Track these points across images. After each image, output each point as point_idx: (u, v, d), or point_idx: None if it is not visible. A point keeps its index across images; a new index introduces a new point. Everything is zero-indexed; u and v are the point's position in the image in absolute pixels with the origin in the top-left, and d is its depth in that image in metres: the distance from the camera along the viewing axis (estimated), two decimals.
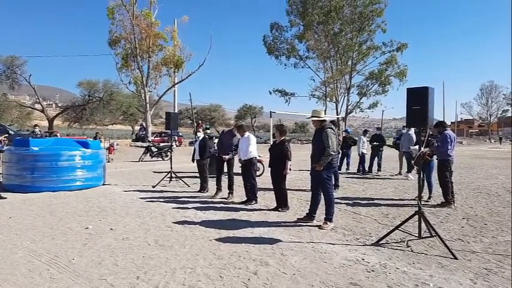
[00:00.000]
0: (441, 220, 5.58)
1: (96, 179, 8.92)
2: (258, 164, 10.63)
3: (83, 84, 36.53)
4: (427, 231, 4.42)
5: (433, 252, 4.03)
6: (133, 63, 26.62)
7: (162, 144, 19.44)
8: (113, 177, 10.53)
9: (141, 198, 7.45)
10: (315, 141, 5.27)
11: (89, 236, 4.70)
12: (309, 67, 37.69)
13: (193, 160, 8.58)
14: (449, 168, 6.74)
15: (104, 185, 9.17)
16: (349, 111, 36.65)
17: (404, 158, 11.46)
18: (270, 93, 37.85)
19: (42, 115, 33.64)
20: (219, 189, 7.70)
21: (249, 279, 3.32)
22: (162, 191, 8.30)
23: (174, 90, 28.75)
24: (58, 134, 22.03)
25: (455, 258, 3.81)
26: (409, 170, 10.66)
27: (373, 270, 3.53)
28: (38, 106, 37.32)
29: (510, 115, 68.67)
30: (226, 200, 7.17)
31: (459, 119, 66.10)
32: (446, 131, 6.86)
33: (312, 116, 5.36)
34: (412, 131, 10.34)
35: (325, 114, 5.68)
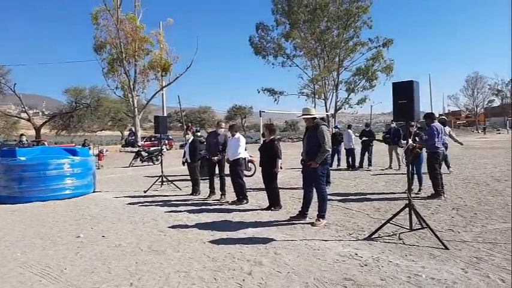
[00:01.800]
0: (432, 212, 5.65)
1: (86, 186, 8.82)
2: (250, 164, 10.67)
3: (69, 91, 36.14)
4: (418, 223, 4.46)
5: (424, 244, 4.08)
6: (120, 68, 26.44)
7: (152, 149, 19.30)
8: (103, 184, 10.42)
9: (132, 203, 7.39)
10: (307, 138, 5.28)
11: (81, 245, 4.64)
12: (297, 65, 37.90)
13: (183, 163, 8.55)
14: (438, 161, 6.83)
15: (94, 192, 9.07)
16: (338, 107, 36.92)
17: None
18: (259, 92, 37.95)
19: (29, 124, 33.16)
20: (212, 192, 7.67)
21: (243, 280, 3.32)
22: (153, 196, 8.24)
23: (162, 94, 28.64)
24: (45, 143, 21.73)
25: (446, 248, 3.87)
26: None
27: (366, 265, 3.56)
28: (24, 115, 36.78)
29: (497, 105, 69.86)
30: (218, 202, 7.15)
31: (446, 111, 66.96)
32: (433, 124, 6.95)
33: (303, 114, 5.38)
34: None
35: (315, 110, 5.72)
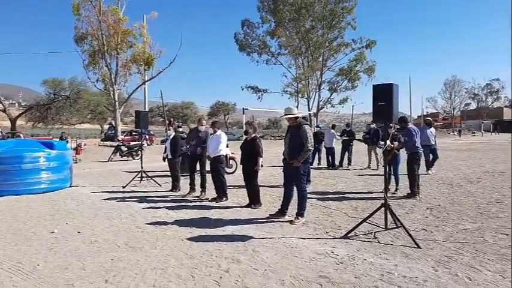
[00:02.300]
0: (406, 211, 5.80)
1: (63, 180, 8.63)
2: (231, 161, 10.67)
3: (47, 83, 35.15)
4: (393, 222, 4.58)
5: (398, 243, 4.19)
6: (101, 61, 25.90)
7: (132, 143, 19.02)
8: (80, 179, 10.22)
9: (110, 199, 7.28)
10: (290, 137, 5.30)
11: (55, 241, 4.55)
12: (281, 63, 38.05)
13: (164, 159, 8.47)
14: (418, 161, 7.00)
15: (70, 186, 8.89)
16: (320, 106, 37.29)
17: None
18: (242, 89, 37.95)
19: (4, 115, 32.11)
20: (192, 189, 7.64)
21: (220, 277, 3.33)
22: (132, 192, 8.14)
23: (144, 88, 28.24)
24: (21, 135, 21.11)
25: (419, 247, 3.98)
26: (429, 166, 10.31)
27: (341, 263, 3.63)
28: None
29: (472, 108, 72.03)
30: (198, 199, 7.13)
31: (425, 113, 68.55)
32: (409, 126, 7.13)
33: (286, 114, 5.41)
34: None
35: (297, 110, 5.76)
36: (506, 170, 10.68)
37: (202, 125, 7.57)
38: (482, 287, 3.00)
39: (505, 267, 3.40)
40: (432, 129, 10.45)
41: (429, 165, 10.20)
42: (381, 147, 8.09)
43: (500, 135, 52.56)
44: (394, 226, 4.57)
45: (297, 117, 5.39)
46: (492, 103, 72.86)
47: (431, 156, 10.19)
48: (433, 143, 10.23)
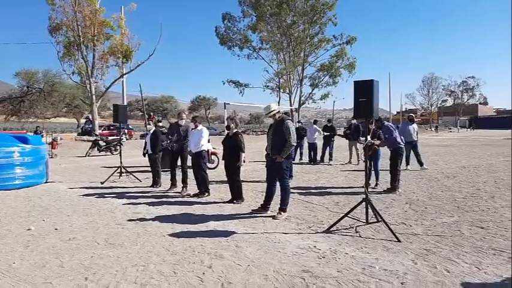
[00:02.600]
0: (386, 206, 5.91)
1: (38, 176, 8.36)
2: (213, 157, 10.61)
3: (20, 75, 33.95)
4: (373, 216, 4.66)
5: (379, 236, 4.26)
6: (77, 52, 25.11)
7: (110, 138, 18.61)
8: (57, 174, 9.94)
9: (88, 195, 7.10)
10: (273, 133, 5.30)
11: (32, 238, 4.40)
12: (262, 58, 37.95)
13: (144, 154, 8.33)
14: (401, 156, 7.15)
15: (46, 182, 8.63)
16: (302, 102, 37.48)
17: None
18: (224, 83, 37.70)
19: None
20: (173, 184, 7.55)
21: (203, 273, 3.31)
22: (111, 187, 7.97)
23: (123, 81, 27.61)
24: None
25: (399, 241, 4.07)
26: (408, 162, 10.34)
27: (324, 257, 3.67)
28: None
29: (449, 105, 74.11)
30: (180, 194, 7.05)
31: (404, 109, 70.11)
32: (385, 123, 7.29)
33: (267, 113, 5.41)
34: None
35: (278, 105, 5.76)
36: (481, 165, 11.05)
37: (183, 119, 7.47)
38: (460, 279, 3.09)
39: (480, 260, 3.51)
40: (415, 125, 10.43)
41: (408, 161, 10.17)
42: (361, 143, 8.20)
43: (475, 131, 54.35)
44: (375, 220, 4.65)
45: (278, 112, 5.39)
46: (467, 100, 75.21)
47: (411, 152, 10.20)
48: (415, 139, 10.21)
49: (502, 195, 6.54)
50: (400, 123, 15.93)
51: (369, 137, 6.65)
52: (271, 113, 5.34)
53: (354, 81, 4.77)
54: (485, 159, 13.06)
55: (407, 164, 10.17)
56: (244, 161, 6.28)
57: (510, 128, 35.14)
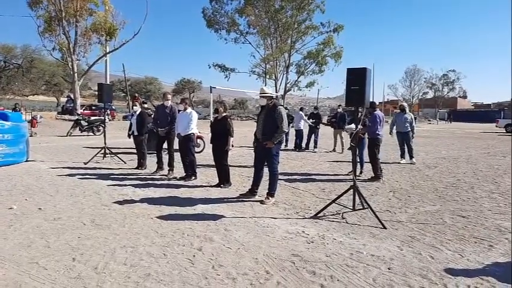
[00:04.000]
0: (371, 193, 6.02)
1: (18, 154, 8.13)
2: (199, 140, 10.51)
3: None
4: (359, 204, 4.74)
5: (365, 223, 4.35)
6: (59, 28, 24.18)
7: (93, 118, 18.19)
8: (37, 153, 9.69)
9: (72, 175, 6.96)
10: (264, 118, 5.26)
11: (14, 217, 4.30)
12: (250, 43, 37.49)
13: (129, 136, 8.18)
14: (378, 146, 7.29)
15: (27, 161, 8.40)
16: (287, 89, 37.41)
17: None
18: (209, 67, 37.16)
19: None
20: (160, 167, 7.46)
21: (194, 256, 3.31)
22: (95, 168, 7.83)
23: (106, 60, 26.85)
24: None
25: (385, 228, 4.16)
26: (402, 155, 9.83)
27: (312, 242, 3.72)
28: None
29: (430, 97, 75.55)
30: (166, 177, 6.99)
31: (386, 100, 71.07)
32: (375, 112, 7.38)
33: (261, 93, 5.35)
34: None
35: (271, 89, 5.73)
36: (460, 157, 11.37)
37: (168, 100, 7.32)
38: (444, 265, 3.19)
39: (463, 247, 3.63)
40: (408, 115, 9.65)
41: (403, 153, 9.70)
42: (347, 131, 8.27)
43: (453, 123, 55.74)
44: (361, 207, 4.74)
45: (272, 97, 5.37)
46: (448, 93, 76.76)
47: (405, 144, 9.64)
48: (408, 130, 9.50)
49: (481, 186, 6.76)
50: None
51: (360, 125, 6.72)
52: (267, 95, 5.29)
53: (347, 69, 4.77)
54: (463, 151, 13.45)
55: (403, 157, 9.70)
56: (232, 146, 6.25)
57: (487, 121, 36.10)
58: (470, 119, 65.51)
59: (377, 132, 7.25)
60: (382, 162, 7.77)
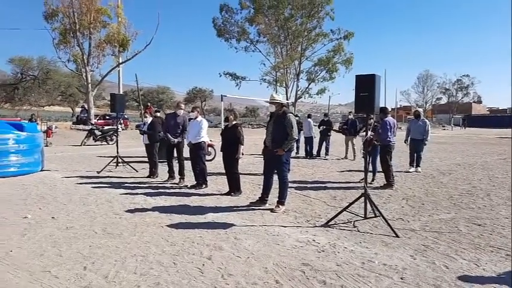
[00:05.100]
0: (384, 201, 5.94)
1: (34, 164, 8.29)
2: (210, 149, 10.56)
3: (14, 61, 33.46)
4: (371, 211, 4.67)
5: (377, 232, 4.28)
6: (73, 40, 24.74)
7: (106, 128, 18.47)
8: (52, 163, 9.85)
9: (85, 184, 7.06)
10: (274, 126, 5.26)
11: (28, 226, 4.37)
12: (260, 51, 37.68)
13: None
14: (390, 153, 7.17)
15: (42, 170, 8.55)
16: (298, 96, 37.39)
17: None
18: (220, 75, 37.45)
19: None
20: (171, 176, 7.50)
21: (203, 265, 3.30)
22: (108, 177, 7.92)
23: (119, 71, 27.29)
24: None
25: (397, 236, 4.09)
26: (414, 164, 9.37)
27: (323, 251, 3.68)
28: None
29: (443, 102, 74.60)
30: (177, 186, 7.02)
31: (398, 106, 70.38)
32: (386, 118, 7.27)
33: (271, 100, 5.37)
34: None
35: (281, 96, 5.74)
36: (475, 163, 11.14)
37: (181, 109, 7.38)
38: (459, 275, 3.11)
39: (478, 256, 3.54)
40: (422, 121, 9.12)
41: (412, 160, 9.30)
42: (361, 136, 8.16)
43: (468, 129, 54.75)
44: (373, 215, 4.67)
45: (282, 104, 5.37)
46: (462, 98, 75.68)
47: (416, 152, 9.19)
48: (424, 137, 9.05)
49: (498, 193, 6.60)
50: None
51: (370, 132, 6.66)
52: (277, 102, 5.29)
53: (356, 76, 4.75)
54: (479, 157, 13.17)
55: (412, 165, 9.27)
56: (242, 154, 6.26)
57: (503, 126, 35.41)
58: (485, 124, 64.18)
59: (388, 139, 7.15)
60: (395, 171, 7.66)
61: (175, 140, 7.19)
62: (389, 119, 7.38)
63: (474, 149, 16.70)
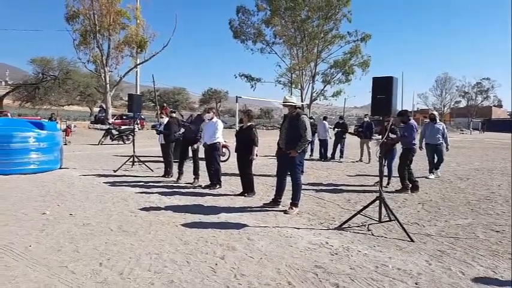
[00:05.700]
0: (399, 205, 5.85)
1: (53, 162, 8.49)
2: (224, 149, 10.61)
3: (35, 61, 34.35)
4: (386, 215, 4.61)
5: (391, 236, 4.23)
6: (93, 41, 25.31)
7: (123, 127, 18.79)
8: (70, 161, 10.07)
9: (101, 182, 7.19)
10: (288, 127, 5.26)
11: (47, 222, 4.48)
12: (275, 53, 37.68)
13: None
14: (411, 157, 7.00)
15: (61, 168, 8.76)
16: (313, 98, 37.21)
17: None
18: (236, 77, 37.62)
19: None
20: (181, 173, 7.58)
21: (216, 264, 3.32)
22: (124, 176, 8.05)
23: (136, 71, 27.78)
24: (8, 114, 20.67)
25: (412, 241, 4.03)
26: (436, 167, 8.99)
27: (336, 253, 3.65)
28: None
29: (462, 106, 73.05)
30: (191, 185, 7.09)
31: (415, 109, 69.22)
32: (411, 121, 7.11)
33: (284, 102, 5.37)
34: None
35: (295, 98, 5.73)
36: (495, 168, 10.87)
37: (209, 113, 7.08)
38: (475, 282, 3.05)
39: (496, 263, 3.46)
40: (439, 125, 8.73)
41: (432, 167, 8.85)
42: (377, 140, 8.04)
43: (487, 133, 53.42)
44: (387, 219, 4.61)
45: (295, 106, 5.37)
46: (481, 102, 73.97)
47: (435, 157, 8.77)
48: (440, 142, 8.60)
49: None
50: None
51: (391, 135, 6.54)
52: (290, 104, 5.30)
53: (373, 78, 4.71)
54: (499, 162, 12.84)
55: (432, 172, 8.84)
56: (256, 155, 6.28)
57: None
58: (505, 128, 62.35)
59: (413, 142, 6.99)
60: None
61: (195, 146, 7.22)
62: (413, 122, 7.21)
63: (493, 154, 16.29)
